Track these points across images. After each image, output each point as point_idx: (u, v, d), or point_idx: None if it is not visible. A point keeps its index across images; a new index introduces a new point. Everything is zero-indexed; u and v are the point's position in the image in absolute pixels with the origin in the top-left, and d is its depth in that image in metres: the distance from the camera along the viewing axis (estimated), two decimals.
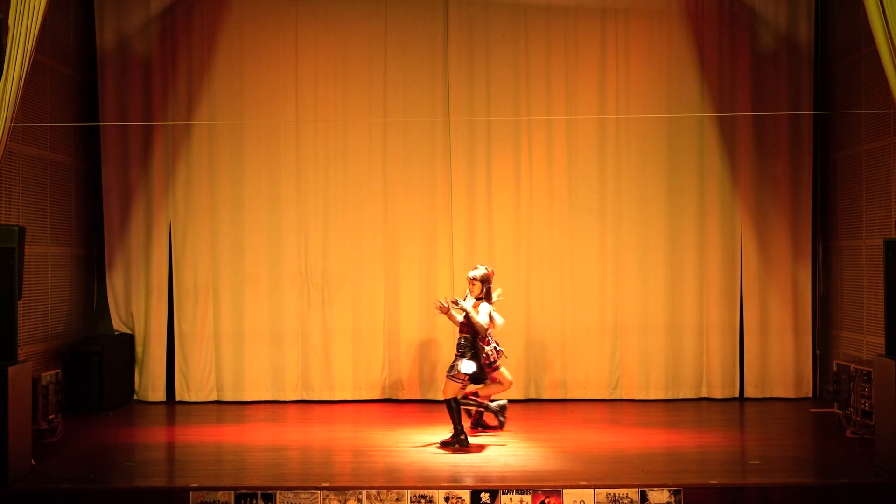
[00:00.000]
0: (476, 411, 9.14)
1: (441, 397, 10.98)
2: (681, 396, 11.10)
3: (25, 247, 7.79)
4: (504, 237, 11.17)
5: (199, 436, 9.43)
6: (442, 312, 8.83)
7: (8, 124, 7.43)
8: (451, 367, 8.59)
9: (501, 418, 8.85)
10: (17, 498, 7.10)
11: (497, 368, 8.81)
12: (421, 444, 8.68)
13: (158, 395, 11.08)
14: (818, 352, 11.22)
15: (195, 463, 8.23)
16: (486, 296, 8.76)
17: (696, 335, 11.13)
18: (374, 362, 11.12)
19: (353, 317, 11.15)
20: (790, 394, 11.07)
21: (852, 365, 9.06)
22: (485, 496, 7.02)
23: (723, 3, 11.13)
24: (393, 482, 7.24)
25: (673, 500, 6.99)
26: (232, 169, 11.17)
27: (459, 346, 8.65)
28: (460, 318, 8.71)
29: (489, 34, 11.17)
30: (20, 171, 9.60)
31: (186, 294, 11.14)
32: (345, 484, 7.16)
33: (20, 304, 7.69)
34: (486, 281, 8.77)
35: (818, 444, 8.98)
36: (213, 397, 11.11)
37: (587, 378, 11.10)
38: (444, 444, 8.50)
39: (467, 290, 8.85)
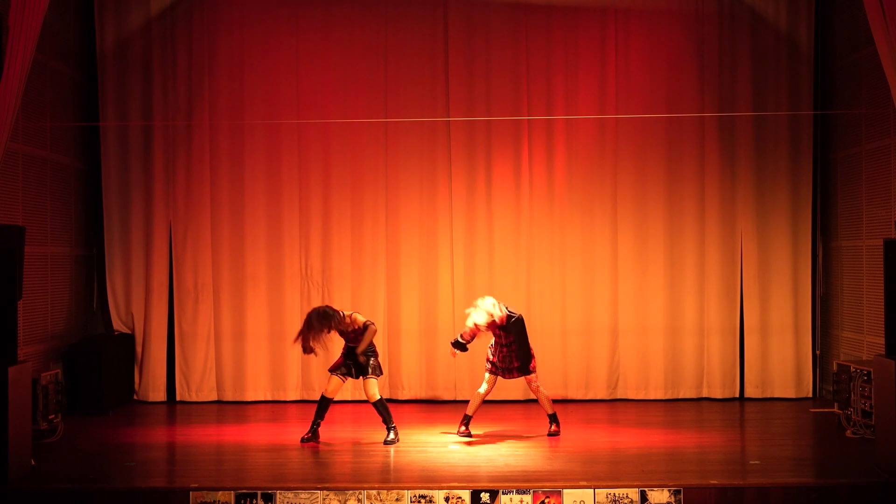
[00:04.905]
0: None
1: (446, 397, 11.07)
2: (681, 396, 11.10)
3: (25, 247, 7.79)
4: (504, 236, 11.17)
5: (199, 436, 9.43)
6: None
7: (8, 124, 7.43)
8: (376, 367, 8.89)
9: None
10: (17, 498, 7.10)
11: None
12: (421, 444, 8.69)
13: (158, 394, 11.09)
14: (818, 352, 11.21)
15: (195, 463, 8.23)
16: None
17: (696, 335, 11.12)
18: None
19: None
20: (790, 394, 11.07)
21: (852, 365, 9.05)
22: (485, 496, 7.03)
23: (723, 3, 11.13)
24: (393, 482, 7.25)
25: (673, 500, 6.99)
26: (232, 169, 11.17)
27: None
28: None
29: (489, 34, 11.17)
30: (20, 171, 9.60)
31: (186, 294, 11.14)
32: (345, 484, 7.17)
33: (20, 304, 7.69)
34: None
35: (818, 444, 8.98)
36: (214, 397, 11.12)
37: (587, 378, 11.11)
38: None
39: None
